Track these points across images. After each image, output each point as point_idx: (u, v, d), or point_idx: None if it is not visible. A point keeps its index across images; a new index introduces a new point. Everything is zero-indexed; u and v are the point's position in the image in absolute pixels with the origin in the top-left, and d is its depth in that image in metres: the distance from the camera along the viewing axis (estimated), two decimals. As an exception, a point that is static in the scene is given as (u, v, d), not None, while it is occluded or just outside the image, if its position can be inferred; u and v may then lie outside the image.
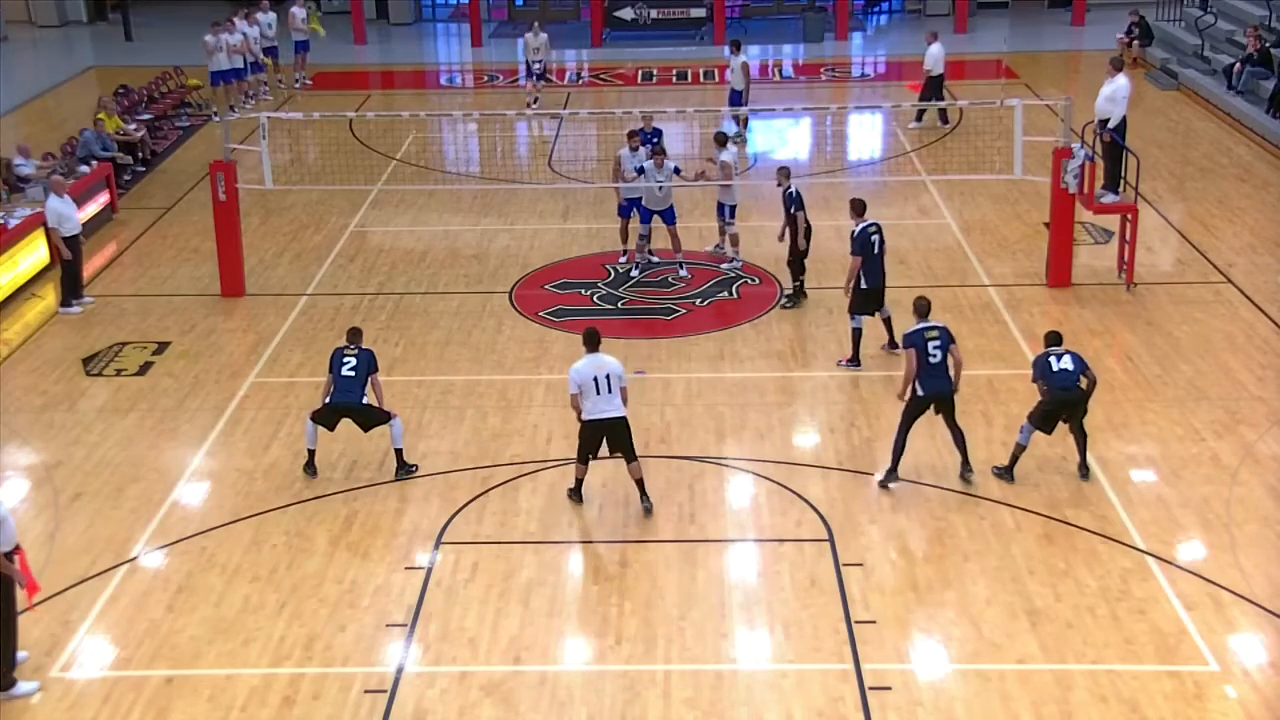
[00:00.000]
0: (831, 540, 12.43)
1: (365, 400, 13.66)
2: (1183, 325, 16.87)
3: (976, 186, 21.83)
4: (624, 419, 12.77)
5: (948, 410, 13.27)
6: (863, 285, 15.57)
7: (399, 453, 13.79)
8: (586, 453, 12.91)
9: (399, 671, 10.82)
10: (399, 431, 13.76)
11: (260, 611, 11.61)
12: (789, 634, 11.17)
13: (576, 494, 13.16)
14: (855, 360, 15.75)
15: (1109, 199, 18.72)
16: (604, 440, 12.82)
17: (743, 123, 25.07)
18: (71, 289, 18.17)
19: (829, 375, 15.71)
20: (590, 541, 12.63)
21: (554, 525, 12.86)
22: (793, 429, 14.65)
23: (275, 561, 12.33)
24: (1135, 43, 30.73)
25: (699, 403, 15.18)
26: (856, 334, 15.76)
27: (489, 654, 11.01)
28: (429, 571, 12.13)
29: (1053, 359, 13.13)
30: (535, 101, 27.93)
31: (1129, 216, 18.01)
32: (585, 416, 12.74)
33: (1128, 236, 18.04)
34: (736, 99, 24.93)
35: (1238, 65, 26.40)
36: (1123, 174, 19.01)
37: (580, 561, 12.38)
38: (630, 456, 12.90)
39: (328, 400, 13.69)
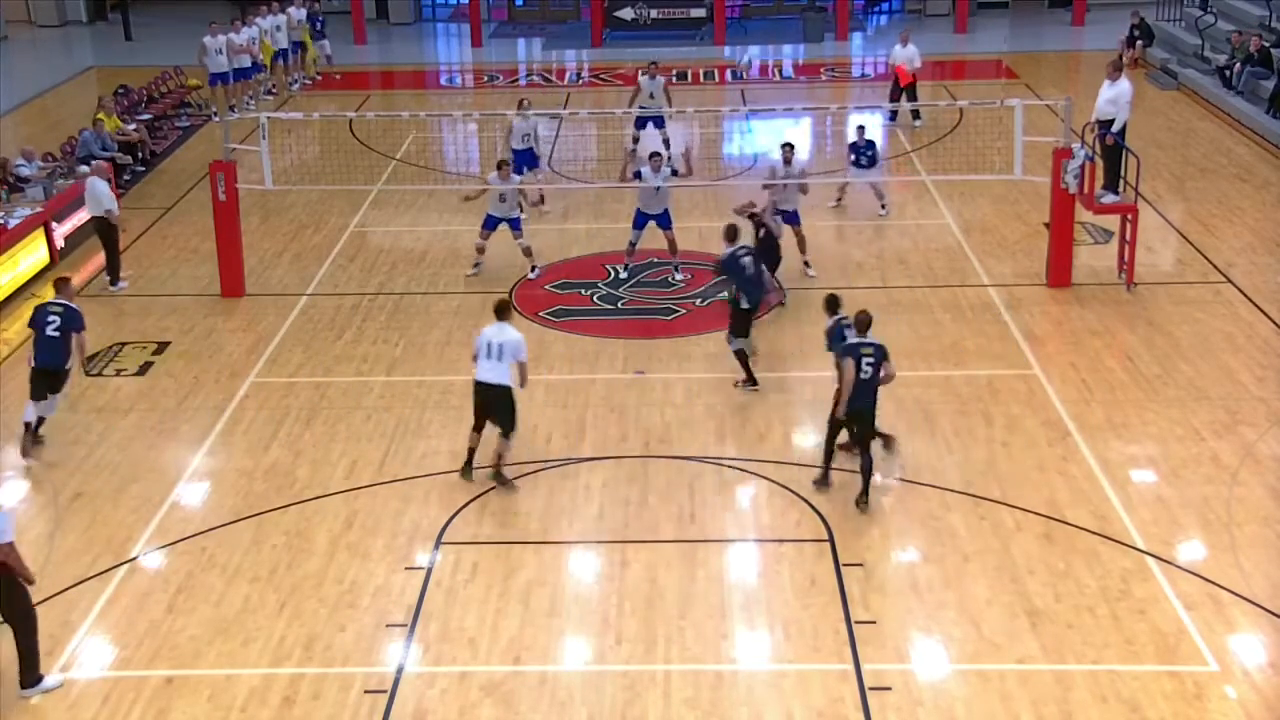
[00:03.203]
0: (831, 540, 12.43)
1: (69, 365, 13.92)
2: (1183, 325, 16.87)
3: (976, 186, 21.83)
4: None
5: (866, 427, 12.94)
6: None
7: (37, 423, 13.98)
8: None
9: (399, 671, 10.82)
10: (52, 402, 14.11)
11: (260, 611, 11.60)
12: (789, 634, 11.17)
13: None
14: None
15: (1109, 199, 18.72)
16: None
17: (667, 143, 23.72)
18: (116, 266, 18.81)
19: (829, 375, 15.65)
20: (590, 541, 12.63)
21: (554, 525, 12.86)
22: (793, 429, 14.65)
23: (275, 561, 12.33)
24: (1138, 43, 30.74)
25: (699, 403, 15.17)
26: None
27: (489, 654, 11.01)
28: (429, 571, 12.13)
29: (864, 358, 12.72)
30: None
31: (1129, 216, 18.01)
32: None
33: (1128, 236, 18.04)
34: (661, 123, 23.52)
35: (1237, 65, 26.43)
36: (1122, 174, 19.01)
37: (580, 561, 12.38)
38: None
39: (32, 364, 13.93)
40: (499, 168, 18.52)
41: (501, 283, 18.63)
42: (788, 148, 18.58)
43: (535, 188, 21.11)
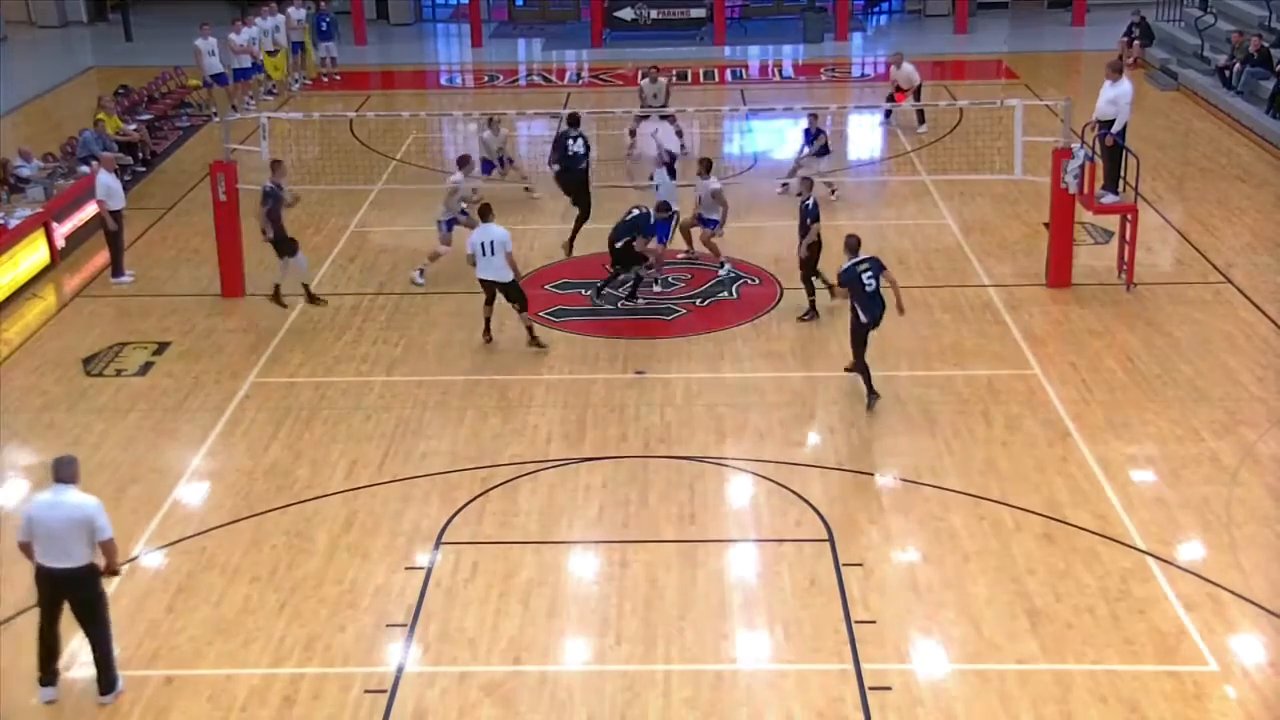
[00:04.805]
0: (831, 540, 12.44)
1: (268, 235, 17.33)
2: (1183, 325, 16.87)
3: (976, 186, 21.84)
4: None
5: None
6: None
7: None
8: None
9: (399, 671, 10.82)
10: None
11: (260, 611, 11.61)
12: (789, 634, 11.17)
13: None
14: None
15: (1109, 199, 18.73)
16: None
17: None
18: (119, 260, 19.07)
19: (829, 375, 15.70)
20: (590, 541, 12.63)
21: (554, 525, 12.87)
22: (793, 429, 14.65)
23: (275, 561, 12.33)
24: (1136, 43, 30.73)
25: (699, 403, 15.18)
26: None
27: (489, 654, 11.01)
28: (429, 571, 12.13)
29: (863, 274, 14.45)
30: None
31: (1129, 217, 18.01)
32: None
33: (1127, 237, 18.04)
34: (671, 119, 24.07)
35: (1237, 65, 26.44)
36: (1122, 174, 19.01)
37: (580, 561, 12.38)
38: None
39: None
40: (461, 165, 18.92)
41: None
42: (702, 163, 18.87)
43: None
